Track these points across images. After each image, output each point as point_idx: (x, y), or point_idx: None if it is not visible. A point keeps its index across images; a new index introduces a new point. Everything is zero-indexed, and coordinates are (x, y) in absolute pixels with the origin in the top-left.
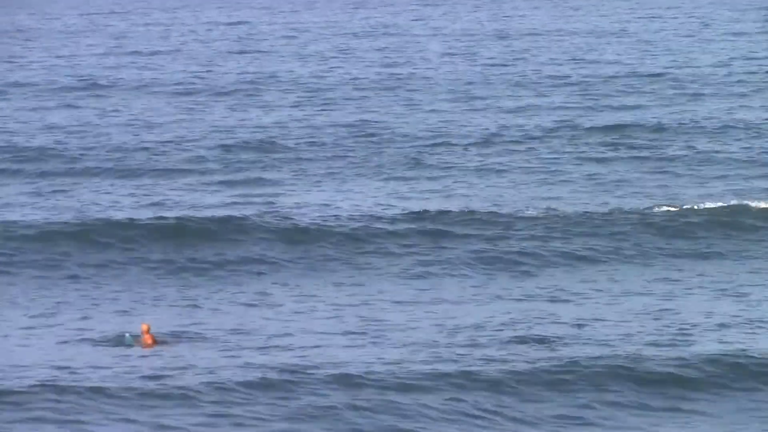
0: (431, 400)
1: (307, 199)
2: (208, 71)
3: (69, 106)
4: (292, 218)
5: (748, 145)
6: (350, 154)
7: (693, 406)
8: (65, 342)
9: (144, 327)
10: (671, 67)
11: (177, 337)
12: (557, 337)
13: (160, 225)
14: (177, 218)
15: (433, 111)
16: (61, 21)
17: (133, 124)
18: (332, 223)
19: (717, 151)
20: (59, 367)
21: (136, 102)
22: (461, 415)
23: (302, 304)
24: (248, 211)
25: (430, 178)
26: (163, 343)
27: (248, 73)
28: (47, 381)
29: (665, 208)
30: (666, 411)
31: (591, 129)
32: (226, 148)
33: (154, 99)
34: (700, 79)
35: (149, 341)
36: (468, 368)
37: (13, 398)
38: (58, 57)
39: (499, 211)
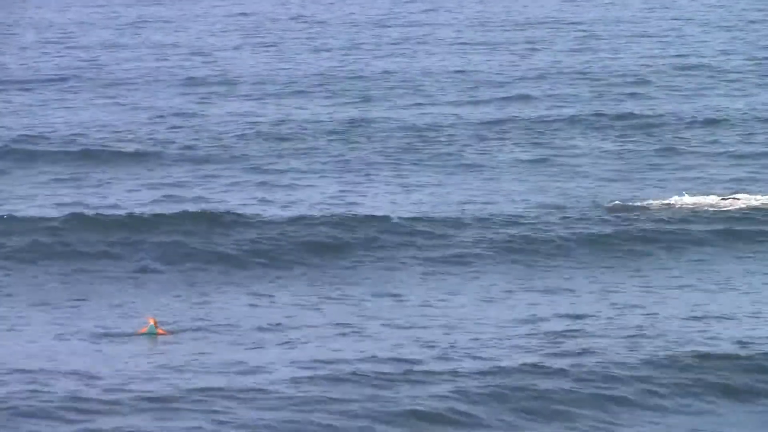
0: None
1: (314, 192)
2: (212, 62)
3: (77, 98)
4: (300, 212)
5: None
6: (357, 147)
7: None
8: (79, 336)
9: (151, 321)
10: (681, 57)
11: (185, 329)
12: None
13: (169, 218)
14: (186, 211)
15: (439, 103)
16: (69, 13)
17: (141, 116)
18: (341, 217)
19: (732, 142)
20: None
21: (144, 94)
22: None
23: (309, 299)
24: (256, 204)
25: (439, 171)
26: (170, 333)
27: (257, 65)
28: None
29: (681, 199)
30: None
31: (603, 120)
32: (238, 139)
33: (162, 90)
34: (711, 69)
35: (160, 332)
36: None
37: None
38: (68, 48)
39: (505, 203)
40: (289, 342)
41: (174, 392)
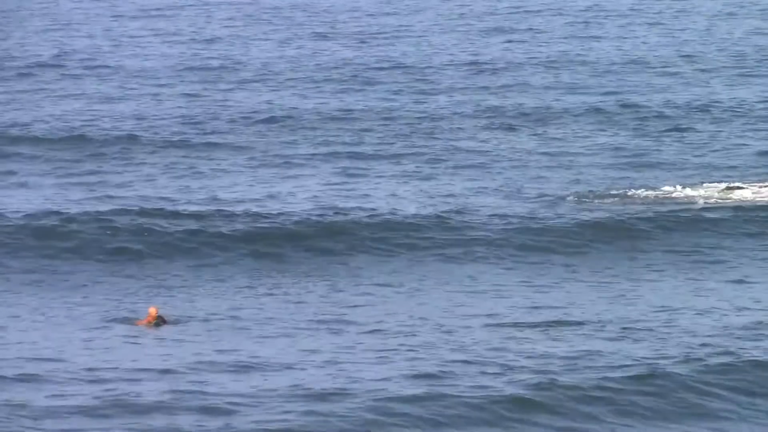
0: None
1: (307, 184)
2: (214, 51)
3: (76, 90)
4: (296, 205)
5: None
6: (349, 137)
7: None
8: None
9: (152, 311)
10: (679, 46)
11: (186, 320)
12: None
13: (165, 211)
14: (183, 204)
15: (441, 93)
16: (68, 3)
17: (140, 106)
18: (335, 210)
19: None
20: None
21: (144, 83)
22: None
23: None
24: (250, 196)
25: (442, 163)
26: (171, 323)
27: (258, 53)
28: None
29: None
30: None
31: (600, 109)
32: (234, 128)
33: (162, 79)
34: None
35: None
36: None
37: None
38: (68, 39)
39: (502, 193)
40: (287, 336)
41: (180, 388)
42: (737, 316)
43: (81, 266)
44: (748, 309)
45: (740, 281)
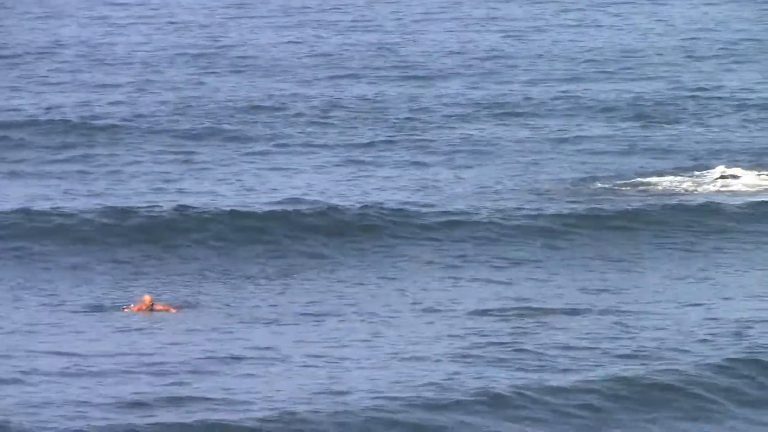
0: None
1: (297, 178)
2: (200, 38)
3: (65, 78)
4: (291, 195)
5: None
6: (346, 128)
7: None
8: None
9: (147, 298)
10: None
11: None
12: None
13: (158, 206)
14: (180, 197)
15: (432, 82)
16: None
17: (129, 98)
18: (327, 204)
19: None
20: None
21: (135, 71)
22: None
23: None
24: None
25: (433, 152)
26: (171, 309)
27: (245, 41)
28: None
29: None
30: None
31: (589, 101)
32: (228, 119)
33: (153, 67)
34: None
35: (158, 308)
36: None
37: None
38: (59, 27)
39: (493, 186)
40: (279, 324)
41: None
42: (731, 306)
43: (71, 253)
44: (742, 299)
45: (733, 270)
